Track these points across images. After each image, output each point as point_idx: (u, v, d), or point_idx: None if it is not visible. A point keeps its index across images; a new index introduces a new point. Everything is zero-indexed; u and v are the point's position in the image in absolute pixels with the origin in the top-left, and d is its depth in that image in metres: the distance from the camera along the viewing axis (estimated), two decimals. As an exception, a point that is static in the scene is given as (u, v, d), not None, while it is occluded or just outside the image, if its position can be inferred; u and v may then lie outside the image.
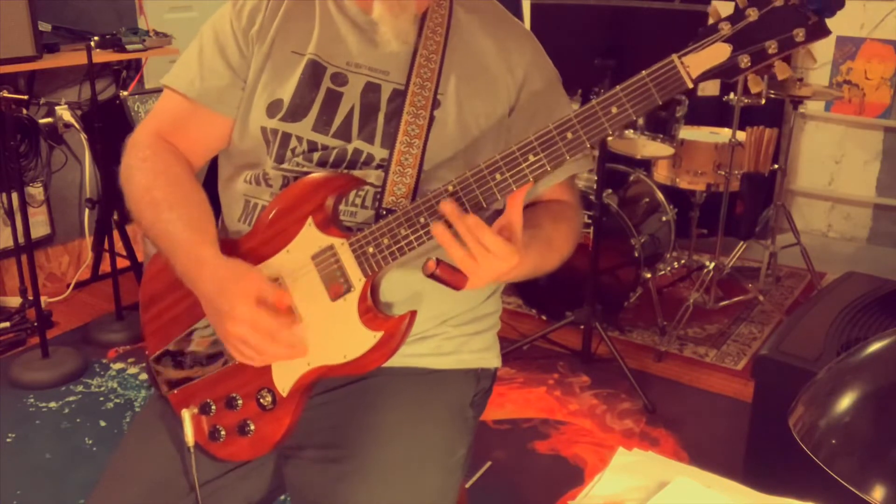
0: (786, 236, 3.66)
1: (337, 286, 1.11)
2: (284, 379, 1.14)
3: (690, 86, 0.97)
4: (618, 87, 0.99)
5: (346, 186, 1.15)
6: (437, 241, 1.03)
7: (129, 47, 3.27)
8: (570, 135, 1.01)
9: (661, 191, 3.27)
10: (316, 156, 1.20)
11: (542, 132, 1.02)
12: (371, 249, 1.09)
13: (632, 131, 3.09)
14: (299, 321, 1.12)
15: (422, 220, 1.06)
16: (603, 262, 2.88)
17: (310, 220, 1.12)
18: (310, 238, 1.12)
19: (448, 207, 1.02)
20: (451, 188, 1.05)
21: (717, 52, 0.96)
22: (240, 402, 1.17)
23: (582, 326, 2.93)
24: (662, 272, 3.34)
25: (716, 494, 1.05)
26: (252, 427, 1.16)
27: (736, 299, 3.38)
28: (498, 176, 1.03)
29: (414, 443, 1.16)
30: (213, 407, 1.19)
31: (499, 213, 1.08)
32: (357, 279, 1.11)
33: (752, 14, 0.96)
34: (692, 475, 1.10)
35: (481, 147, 1.22)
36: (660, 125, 3.11)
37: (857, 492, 0.77)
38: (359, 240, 1.10)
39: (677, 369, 2.93)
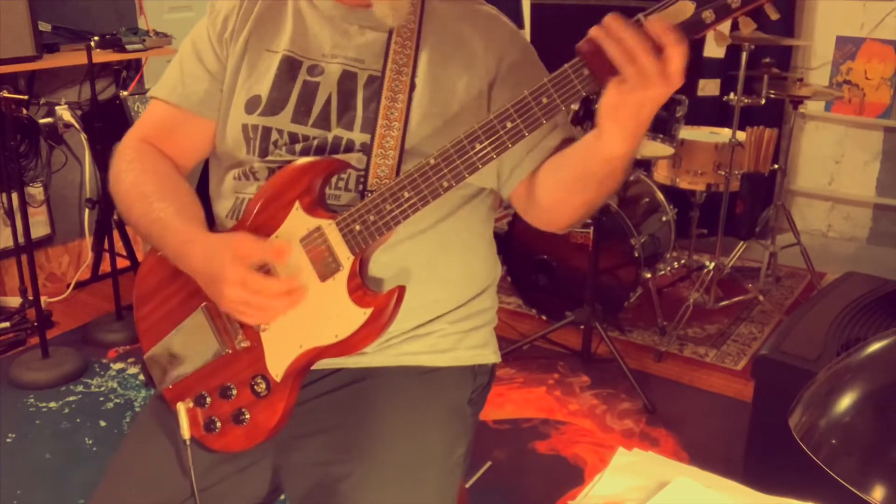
0: (786, 236, 3.66)
1: (326, 266, 1.13)
2: (277, 364, 1.15)
3: None
4: None
5: (330, 168, 1.16)
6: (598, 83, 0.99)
7: (129, 47, 3.27)
8: (545, 99, 1.02)
9: (661, 191, 3.27)
10: (298, 147, 1.22)
11: (518, 100, 1.04)
12: (358, 227, 1.11)
13: (632, 131, 3.09)
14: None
15: (405, 194, 1.08)
16: (603, 262, 2.88)
17: (297, 204, 1.14)
18: (298, 221, 1.14)
19: (607, 22, 0.97)
20: (432, 161, 1.07)
21: (680, 10, 0.97)
22: (234, 391, 1.18)
23: (582, 326, 2.93)
24: (662, 272, 3.34)
25: (716, 494, 1.05)
26: (247, 415, 1.17)
27: (736, 299, 3.38)
28: (477, 145, 1.05)
29: (413, 445, 1.16)
30: (208, 399, 1.19)
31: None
32: (345, 258, 1.12)
33: None
34: (692, 475, 1.10)
35: (462, 124, 1.21)
36: (660, 125, 3.11)
37: (857, 492, 0.77)
38: (345, 219, 1.12)
39: (677, 369, 2.93)
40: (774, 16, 1.02)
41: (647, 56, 0.94)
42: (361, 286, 1.12)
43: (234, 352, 1.18)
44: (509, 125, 1.04)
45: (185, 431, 1.17)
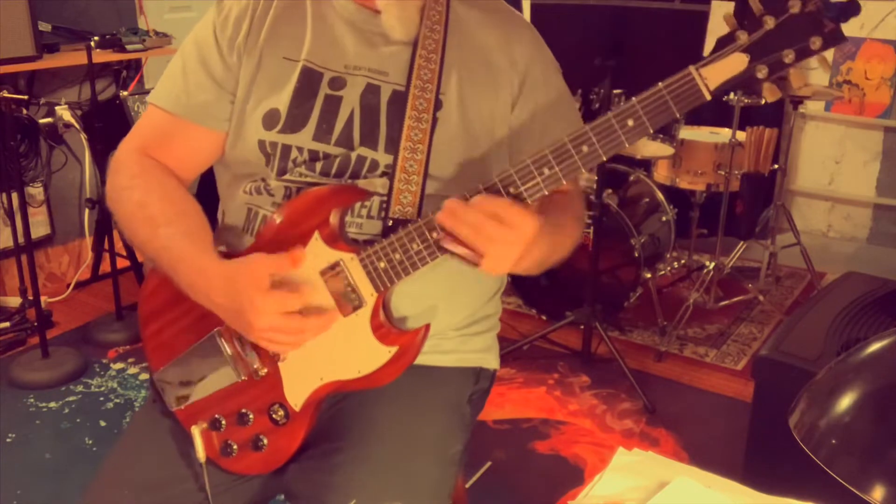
0: (786, 236, 3.66)
1: (348, 301, 1.09)
2: (297, 394, 1.13)
3: (708, 97, 0.95)
4: (634, 100, 0.97)
5: (351, 199, 1.12)
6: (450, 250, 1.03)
7: (129, 47, 3.27)
8: (585, 148, 0.99)
9: (661, 191, 3.27)
10: (318, 165, 1.17)
11: (557, 145, 1.00)
12: (382, 265, 1.07)
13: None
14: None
15: (435, 234, 1.04)
16: (603, 262, 2.88)
17: (316, 234, 1.09)
18: (317, 253, 1.09)
19: (449, 207, 1.00)
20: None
21: (734, 63, 0.94)
22: (251, 417, 1.15)
23: (582, 326, 2.93)
24: (662, 272, 3.34)
25: (716, 494, 1.05)
26: (265, 441, 1.15)
27: (736, 299, 3.38)
28: (512, 189, 1.02)
29: (410, 434, 1.16)
30: (224, 422, 1.17)
31: None
32: (369, 294, 1.09)
33: (769, 22, 0.93)
34: (692, 475, 1.10)
35: (486, 147, 1.20)
36: (660, 125, 3.10)
37: (857, 492, 0.77)
38: (369, 255, 1.08)
39: (677, 369, 2.93)
40: (827, 68, 1.01)
41: (493, 227, 0.98)
42: (385, 324, 1.09)
43: (249, 378, 1.14)
44: (547, 172, 1.01)
45: (201, 454, 1.14)
